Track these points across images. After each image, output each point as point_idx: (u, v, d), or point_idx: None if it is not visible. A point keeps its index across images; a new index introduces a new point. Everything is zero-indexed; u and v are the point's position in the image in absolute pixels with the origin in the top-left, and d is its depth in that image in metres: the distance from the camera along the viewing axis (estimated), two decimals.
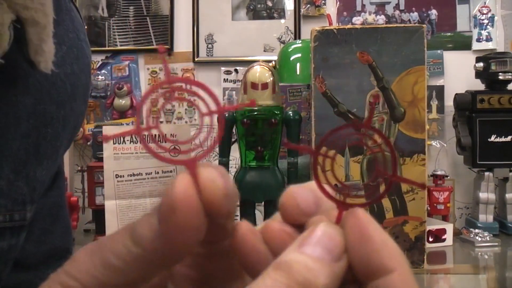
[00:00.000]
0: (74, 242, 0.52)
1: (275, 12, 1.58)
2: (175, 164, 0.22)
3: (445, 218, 1.27)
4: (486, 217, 1.30)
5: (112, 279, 0.20)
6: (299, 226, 0.22)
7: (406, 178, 0.22)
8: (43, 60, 0.34)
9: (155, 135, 0.22)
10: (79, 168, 1.42)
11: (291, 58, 1.31)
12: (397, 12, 1.56)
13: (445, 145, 1.51)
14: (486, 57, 1.35)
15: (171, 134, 1.14)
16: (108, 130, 1.13)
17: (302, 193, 0.23)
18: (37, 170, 0.38)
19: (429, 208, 1.25)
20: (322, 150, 0.23)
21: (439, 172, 1.31)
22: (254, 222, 0.99)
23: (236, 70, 1.58)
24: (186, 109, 1.60)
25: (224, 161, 0.99)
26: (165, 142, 0.23)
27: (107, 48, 1.61)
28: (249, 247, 0.22)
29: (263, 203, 0.99)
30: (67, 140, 0.43)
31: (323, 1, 1.56)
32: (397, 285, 0.19)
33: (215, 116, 0.21)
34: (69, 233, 0.48)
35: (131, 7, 1.62)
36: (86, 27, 0.45)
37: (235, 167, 1.31)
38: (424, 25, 0.98)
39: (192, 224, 0.19)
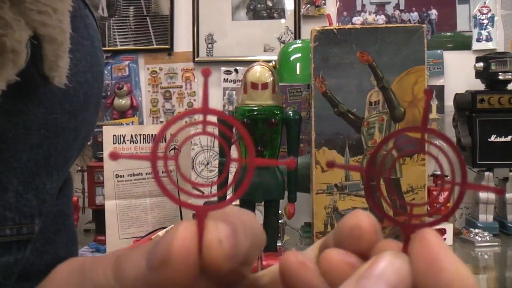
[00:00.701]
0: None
1: (275, 12, 1.58)
2: (185, 208, 0.19)
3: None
4: (486, 217, 1.30)
5: None
6: (361, 254, 0.20)
7: (480, 185, 0.19)
8: (57, 76, 0.33)
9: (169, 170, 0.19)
10: (79, 168, 1.42)
11: (291, 58, 1.31)
12: (397, 12, 1.56)
13: (445, 145, 1.51)
14: (486, 57, 1.35)
15: (171, 134, 1.14)
16: (109, 130, 1.13)
17: (365, 217, 0.20)
18: (47, 182, 0.37)
19: (429, 208, 1.25)
20: (376, 166, 0.19)
21: (439, 172, 1.31)
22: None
23: (236, 70, 1.58)
24: (186, 109, 1.60)
25: (224, 161, 0.99)
26: (181, 178, 0.20)
27: (107, 48, 1.61)
28: (299, 282, 0.20)
29: (263, 203, 0.99)
30: (77, 150, 0.41)
31: (323, 1, 1.56)
32: None
33: (240, 164, 0.19)
34: (74, 243, 0.47)
35: (131, 7, 1.62)
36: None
37: (235, 167, 1.31)
38: (424, 25, 0.98)
39: (182, 280, 0.18)
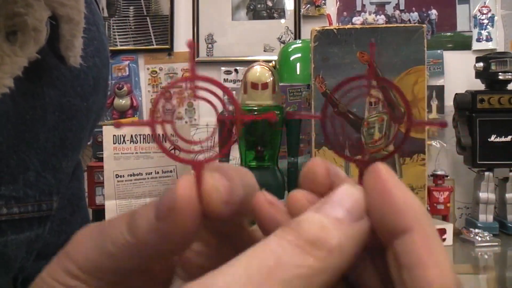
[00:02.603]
0: None
1: (275, 12, 1.58)
2: (182, 163, 0.21)
3: (445, 218, 1.27)
4: (486, 217, 1.30)
5: (108, 264, 0.20)
6: (322, 196, 0.21)
7: (423, 120, 0.22)
8: (72, 55, 0.35)
9: (162, 134, 0.22)
10: None
11: (291, 58, 1.31)
12: (397, 12, 1.56)
13: (445, 145, 1.51)
14: (486, 57, 1.35)
15: (171, 134, 1.14)
16: (109, 130, 1.13)
17: (319, 162, 0.22)
18: (63, 162, 0.39)
19: (429, 208, 1.25)
20: (329, 112, 0.22)
21: (439, 172, 1.31)
22: (254, 222, 0.98)
23: (236, 70, 1.58)
24: (186, 109, 1.60)
25: (224, 161, 0.99)
26: (176, 139, 0.22)
27: None
28: (268, 219, 0.21)
29: None
30: (89, 132, 0.43)
31: (323, 1, 1.56)
32: (417, 243, 0.18)
33: (233, 122, 0.20)
34: (88, 223, 0.49)
35: (131, 7, 1.62)
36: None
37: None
38: (424, 25, 0.98)
39: (188, 226, 0.19)
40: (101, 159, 1.19)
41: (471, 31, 1.55)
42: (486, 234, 1.21)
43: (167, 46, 1.60)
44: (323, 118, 0.22)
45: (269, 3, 1.58)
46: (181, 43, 1.61)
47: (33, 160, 0.36)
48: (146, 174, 1.13)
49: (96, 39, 0.42)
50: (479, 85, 1.38)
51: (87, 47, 0.39)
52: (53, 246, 0.42)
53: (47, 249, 0.42)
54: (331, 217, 0.18)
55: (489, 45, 1.54)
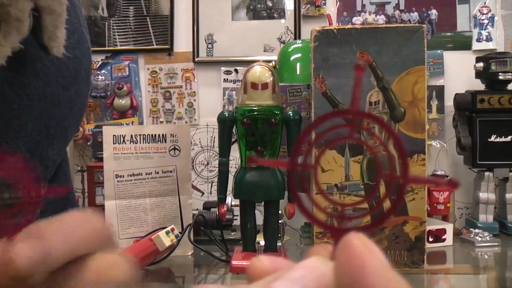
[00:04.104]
0: None
1: (275, 12, 1.58)
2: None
3: (445, 218, 1.27)
4: (486, 217, 1.30)
5: None
6: None
7: (423, 177, 0.16)
8: (55, 46, 0.36)
9: None
10: (79, 168, 1.42)
11: (291, 58, 1.31)
12: (397, 12, 1.56)
13: (445, 145, 1.51)
14: (486, 57, 1.35)
15: (171, 134, 1.14)
16: (109, 130, 1.13)
17: (257, 262, 0.18)
18: (49, 149, 0.40)
19: (429, 208, 1.25)
20: (300, 160, 0.17)
21: (439, 172, 1.31)
22: (254, 222, 0.99)
23: (236, 70, 1.58)
24: (186, 109, 1.60)
25: (224, 161, 0.99)
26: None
27: (107, 48, 1.61)
28: None
29: (263, 203, 0.99)
30: (75, 121, 0.45)
31: (323, 1, 1.56)
32: None
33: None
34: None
35: (131, 7, 1.62)
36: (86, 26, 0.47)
37: (235, 167, 1.31)
38: (424, 25, 0.98)
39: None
40: (101, 159, 1.19)
41: (471, 31, 1.55)
42: (486, 234, 1.21)
43: (167, 46, 1.60)
44: (291, 168, 0.17)
45: (269, 3, 1.58)
46: (181, 43, 1.61)
47: (21, 148, 0.37)
48: (146, 174, 1.13)
49: (77, 32, 0.43)
50: (479, 85, 1.38)
51: (68, 39, 0.40)
52: None
53: None
54: None
55: (489, 45, 1.54)
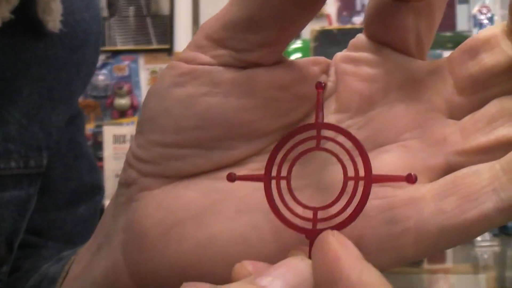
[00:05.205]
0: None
1: None
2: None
3: None
4: None
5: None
6: None
7: (384, 175, 0.17)
8: (51, 20, 0.34)
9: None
10: None
11: (291, 58, 1.31)
12: None
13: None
14: None
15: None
16: (109, 130, 1.13)
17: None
18: (52, 114, 0.38)
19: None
20: (274, 171, 0.18)
21: None
22: None
23: None
24: None
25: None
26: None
27: (107, 48, 1.61)
28: None
29: None
30: (81, 86, 0.43)
31: None
32: None
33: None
34: (96, 171, 0.48)
35: (131, 7, 1.62)
36: None
37: None
38: None
39: None
40: (101, 159, 1.19)
41: (471, 31, 1.55)
42: (486, 234, 1.22)
43: (167, 46, 1.60)
44: (266, 179, 0.18)
45: None
46: (181, 43, 1.61)
47: (14, 113, 0.35)
48: None
49: None
50: None
51: (74, 2, 0.39)
52: (62, 195, 0.42)
53: (56, 199, 0.41)
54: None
55: None
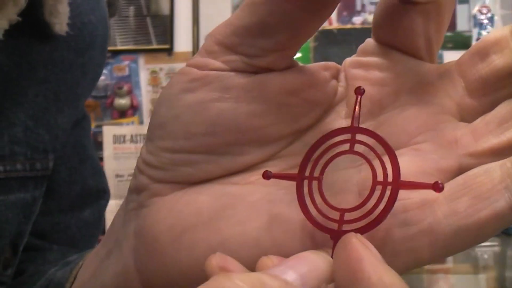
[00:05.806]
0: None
1: None
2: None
3: None
4: None
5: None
6: None
7: (412, 182, 0.17)
8: (58, 22, 0.34)
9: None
10: None
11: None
12: None
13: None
14: None
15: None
16: (109, 130, 1.13)
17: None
18: (58, 117, 0.38)
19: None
20: (307, 172, 0.18)
21: None
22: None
23: None
24: None
25: None
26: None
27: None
28: None
29: None
30: (87, 89, 0.42)
31: None
32: None
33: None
34: (101, 174, 0.48)
35: (131, 7, 1.62)
36: None
37: None
38: None
39: None
40: (101, 159, 1.19)
41: (471, 31, 1.55)
42: None
43: (167, 46, 1.60)
44: (299, 179, 0.18)
45: None
46: (181, 43, 1.61)
47: (20, 115, 0.35)
48: None
49: None
50: None
51: (80, 5, 0.39)
52: (67, 198, 0.42)
53: (61, 202, 0.41)
54: (279, 278, 0.15)
55: None
